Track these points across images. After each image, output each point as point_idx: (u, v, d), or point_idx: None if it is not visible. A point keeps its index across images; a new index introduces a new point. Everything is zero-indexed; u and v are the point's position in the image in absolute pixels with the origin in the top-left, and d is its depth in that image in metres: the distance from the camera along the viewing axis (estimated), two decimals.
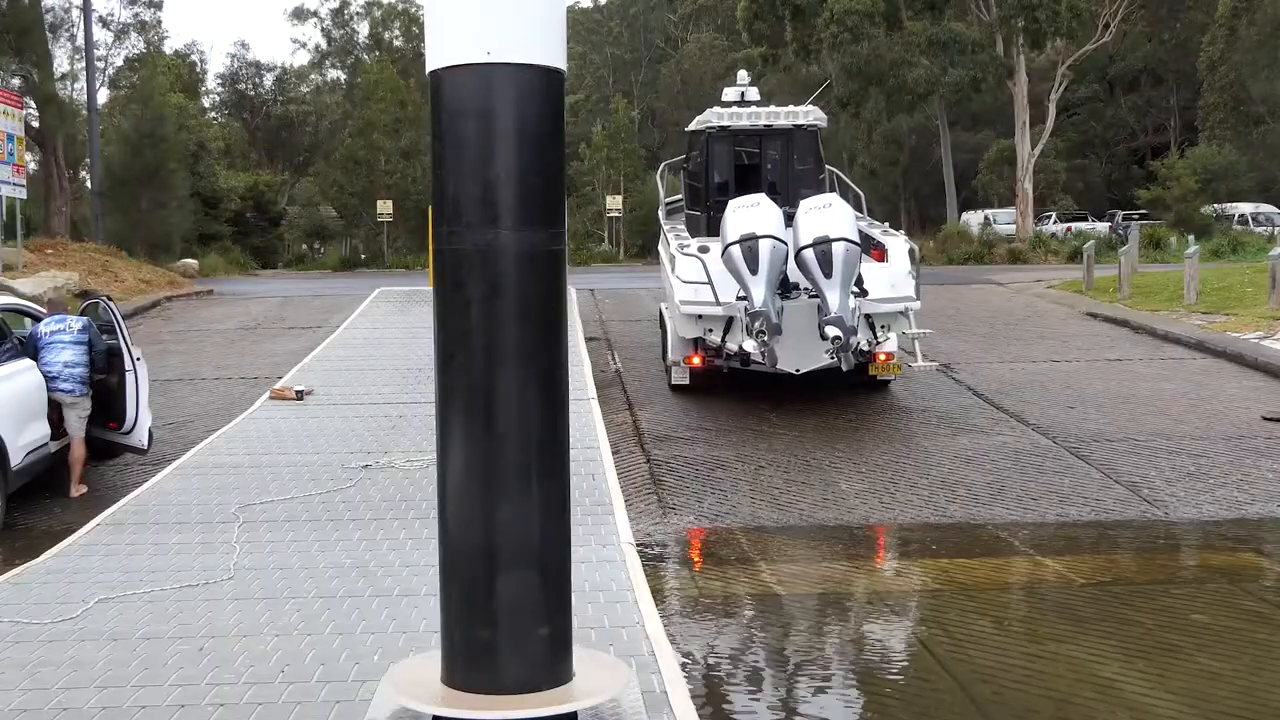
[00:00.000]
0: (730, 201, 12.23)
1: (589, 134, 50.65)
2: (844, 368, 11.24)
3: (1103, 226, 41.10)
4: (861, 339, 11.63)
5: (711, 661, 6.95)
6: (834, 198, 12.18)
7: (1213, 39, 45.66)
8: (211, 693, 5.44)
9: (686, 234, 14.08)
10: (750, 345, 11.19)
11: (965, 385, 14.25)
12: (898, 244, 12.94)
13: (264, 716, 5.18)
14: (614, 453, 10.80)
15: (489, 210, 4.01)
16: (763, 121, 14.95)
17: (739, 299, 11.59)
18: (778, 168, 15.18)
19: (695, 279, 12.22)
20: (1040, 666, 6.88)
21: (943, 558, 8.89)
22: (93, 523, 8.70)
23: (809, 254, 11.20)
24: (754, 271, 11.18)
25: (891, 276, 12.43)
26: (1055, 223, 43.90)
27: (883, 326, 12.17)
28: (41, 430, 9.86)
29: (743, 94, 15.62)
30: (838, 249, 11.12)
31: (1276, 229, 36.49)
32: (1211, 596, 7.96)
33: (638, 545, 8.12)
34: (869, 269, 11.97)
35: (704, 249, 12.47)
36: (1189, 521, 9.74)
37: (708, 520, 9.80)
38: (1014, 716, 6.26)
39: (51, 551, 8.00)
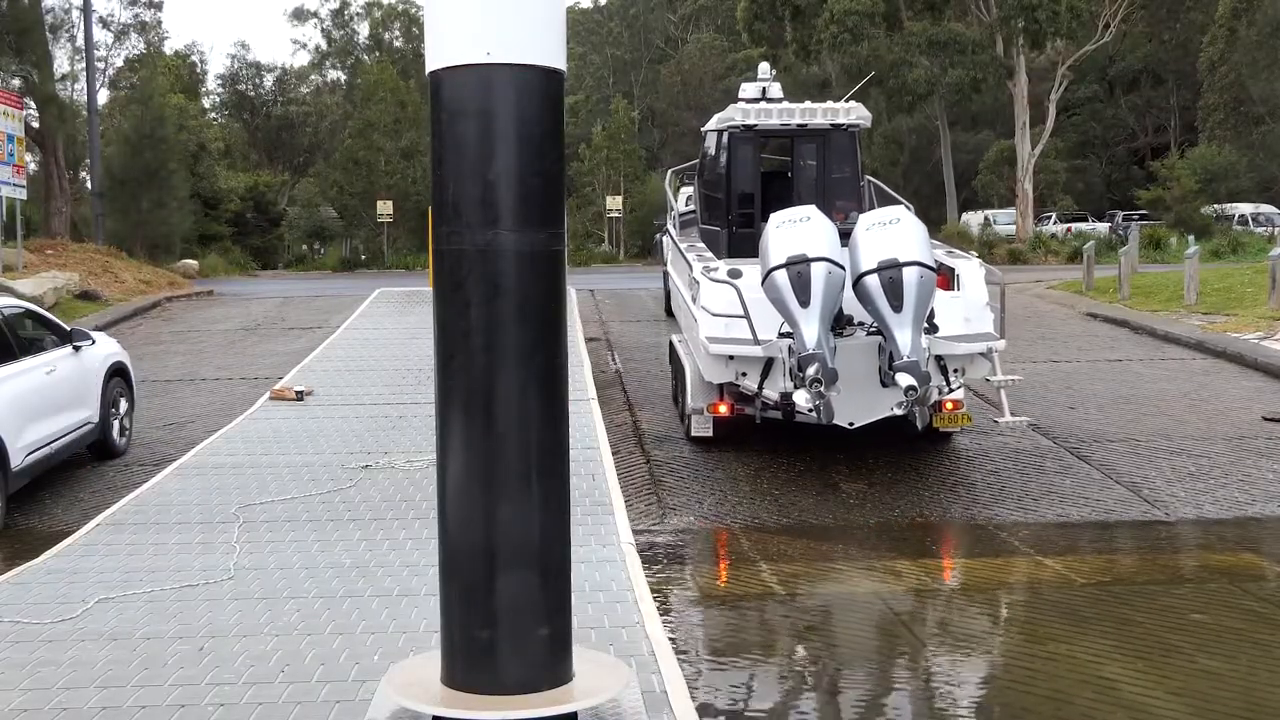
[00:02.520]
0: (772, 215, 10.09)
1: (589, 134, 50.65)
2: (919, 425, 9.44)
3: (1103, 227, 41.15)
4: (933, 386, 9.56)
5: (711, 661, 6.95)
6: (902, 211, 9.96)
7: (1213, 39, 45.72)
8: (211, 693, 5.44)
9: (710, 254, 11.93)
10: (802, 398, 9.04)
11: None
12: (970, 268, 10.70)
13: (264, 716, 5.19)
14: (614, 453, 10.80)
15: (489, 211, 4.02)
16: (796, 120, 12.74)
17: (782, 336, 9.57)
18: (811, 175, 13.01)
19: (726, 311, 10.01)
20: (1040, 666, 6.89)
21: (943, 557, 8.89)
22: (93, 523, 8.71)
23: (873, 282, 9.18)
24: (804, 303, 9.12)
25: (965, 308, 10.32)
26: (1055, 223, 43.94)
27: (955, 370, 10.02)
28: (42, 431, 9.86)
29: (764, 90, 13.61)
30: (909, 276, 9.08)
31: (1276, 229, 36.52)
32: (1211, 596, 7.96)
33: (637, 545, 8.12)
34: (936, 299, 9.85)
35: (735, 273, 10.29)
36: (1189, 522, 9.74)
37: (708, 521, 9.80)
38: (1014, 716, 6.27)
39: (51, 551, 8.01)
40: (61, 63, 43.71)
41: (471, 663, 4.18)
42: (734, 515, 9.93)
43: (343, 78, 62.83)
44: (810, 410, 9.06)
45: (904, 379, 8.79)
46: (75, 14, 40.26)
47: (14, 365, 9.80)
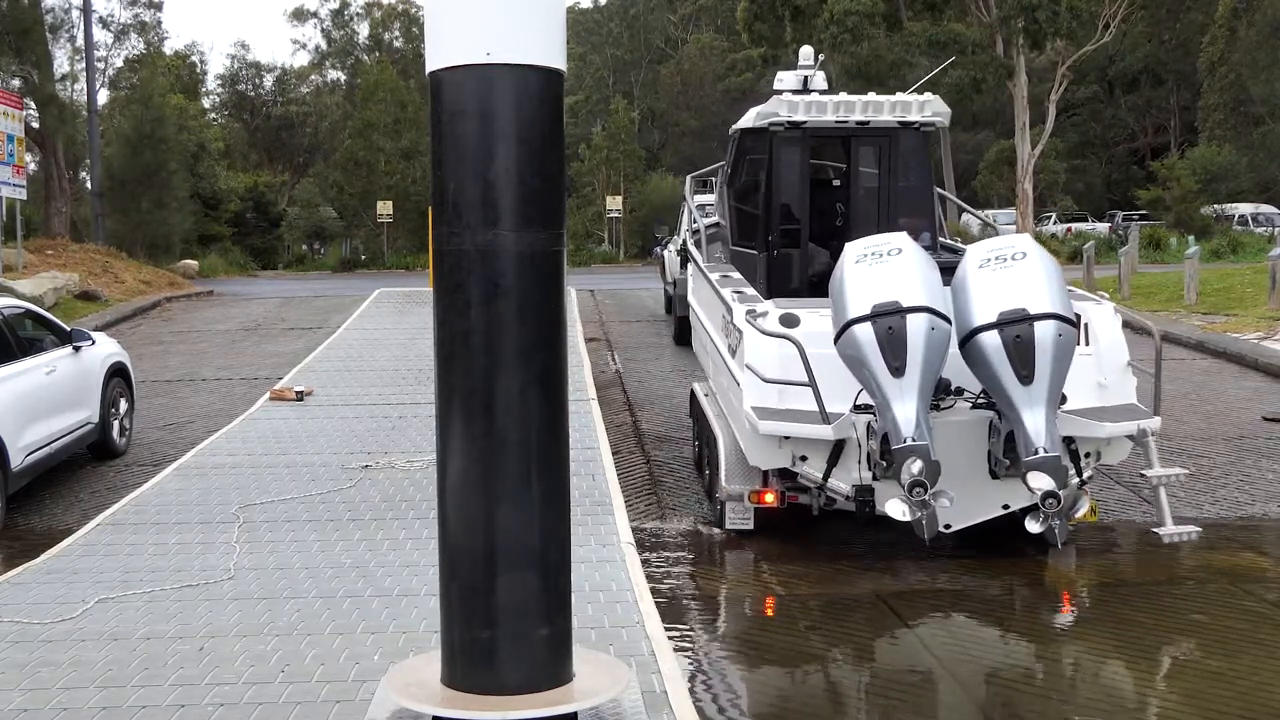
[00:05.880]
0: (849, 246, 7.75)
1: (589, 134, 50.64)
2: (1057, 543, 7.06)
3: (1103, 227, 41.20)
4: (1083, 495, 7.68)
5: (711, 661, 6.95)
6: (1027, 242, 7.60)
7: (1213, 39, 45.76)
8: (211, 693, 5.44)
9: (748, 288, 9.59)
10: (898, 509, 6.82)
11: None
12: (1104, 314, 8.25)
13: (264, 716, 5.19)
14: (614, 453, 10.79)
15: (489, 211, 4.02)
16: (856, 115, 10.15)
17: (857, 409, 7.40)
18: (870, 185, 10.70)
19: (780, 375, 7.72)
20: (1041, 666, 6.89)
21: (944, 557, 8.88)
22: (93, 523, 8.71)
23: (992, 342, 6.98)
24: (897, 371, 6.91)
25: (1100, 369, 7.99)
26: (1055, 223, 43.99)
27: (1087, 454, 7.75)
28: (42, 431, 9.86)
29: (806, 79, 11.19)
30: (1044, 334, 6.89)
31: (1276, 229, 36.54)
32: (1211, 596, 7.96)
33: (638, 545, 8.12)
34: None
35: (791, 320, 7.95)
36: (1189, 522, 9.72)
37: (708, 520, 9.79)
38: (1014, 716, 6.27)
39: (51, 551, 8.01)
40: (61, 63, 43.67)
41: (471, 663, 4.18)
42: None
43: (343, 78, 62.81)
44: (912, 521, 6.84)
45: (1039, 480, 6.70)
46: (75, 14, 40.22)
47: (14, 365, 9.80)
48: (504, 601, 4.10)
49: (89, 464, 11.18)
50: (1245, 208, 40.04)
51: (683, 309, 14.04)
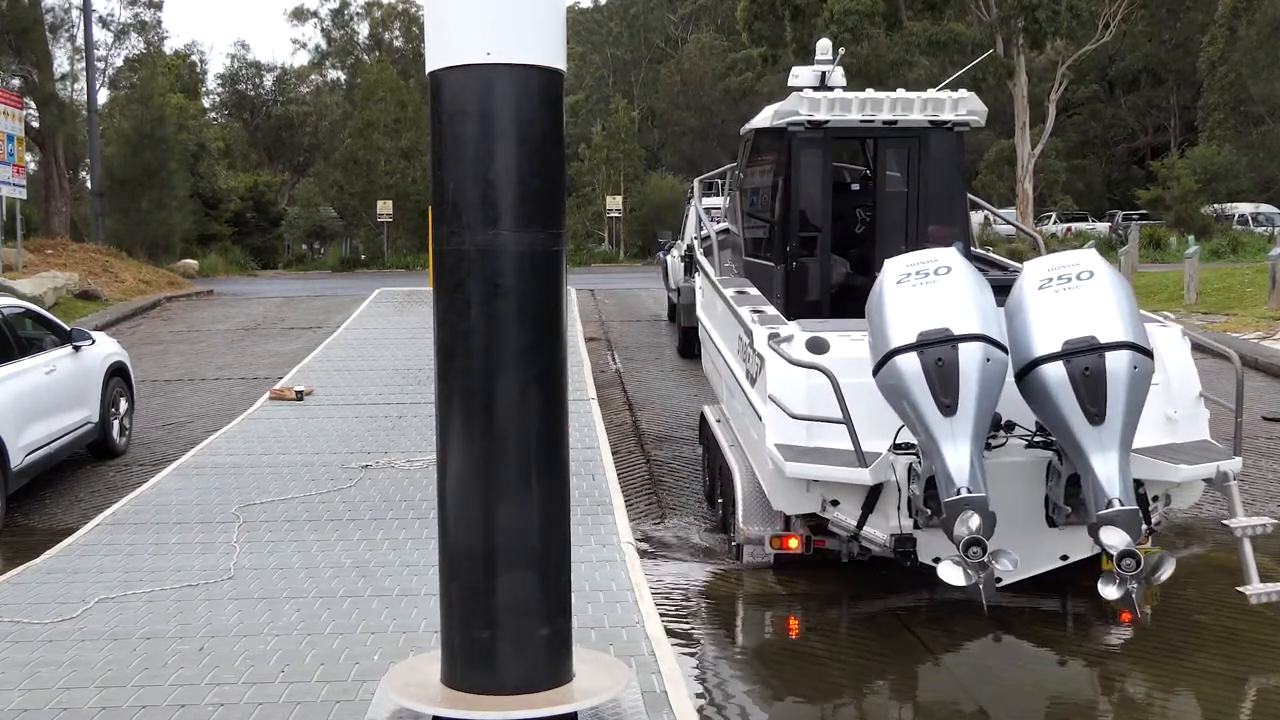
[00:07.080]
0: (889, 263, 6.88)
1: (589, 134, 50.64)
2: (1136, 612, 6.17)
3: (1103, 227, 41.26)
4: (1167, 558, 6.22)
5: (711, 661, 6.95)
6: (1094, 259, 6.66)
7: (1213, 39, 45.79)
8: (211, 693, 5.44)
9: (768, 306, 8.58)
10: (953, 573, 5.96)
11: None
12: (1170, 338, 7.45)
13: (264, 716, 5.19)
14: (614, 453, 10.79)
15: (489, 211, 4.02)
16: (884, 114, 9.33)
17: (898, 449, 6.61)
18: (897, 190, 9.93)
19: (808, 411, 6.93)
20: (1041, 667, 6.89)
21: None
22: (93, 523, 8.71)
23: (1056, 374, 6.12)
24: (948, 409, 6.05)
25: (1168, 401, 7.16)
26: (1055, 223, 44.03)
27: (1155, 498, 6.95)
28: (42, 430, 9.86)
29: (824, 75, 10.32)
30: (1117, 366, 6.04)
31: (1276, 229, 36.57)
32: (1211, 596, 7.95)
33: (637, 545, 8.12)
34: None
35: (820, 345, 7.20)
36: (1189, 522, 9.73)
37: (708, 520, 9.79)
38: (1014, 716, 6.27)
39: (51, 551, 8.01)
40: (61, 63, 43.68)
41: (471, 663, 4.18)
42: None
43: (343, 78, 62.82)
44: (970, 586, 5.94)
45: (1113, 538, 5.79)
46: (75, 14, 40.25)
47: (14, 365, 9.79)
48: (504, 601, 4.10)
49: (89, 464, 11.18)
50: (1245, 207, 40.09)
51: (687, 319, 13.44)
